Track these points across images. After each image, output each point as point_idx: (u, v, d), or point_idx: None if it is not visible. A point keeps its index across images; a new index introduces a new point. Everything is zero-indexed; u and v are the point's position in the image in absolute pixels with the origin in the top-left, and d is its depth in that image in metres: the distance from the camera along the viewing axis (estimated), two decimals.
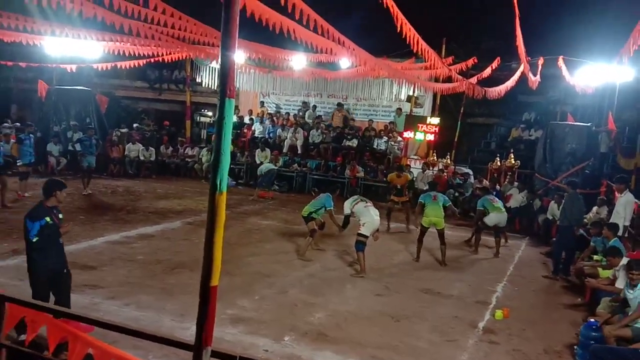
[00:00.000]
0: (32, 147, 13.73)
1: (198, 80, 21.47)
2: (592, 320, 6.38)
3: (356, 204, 9.29)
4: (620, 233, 9.31)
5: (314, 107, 21.29)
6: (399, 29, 6.73)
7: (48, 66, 16.66)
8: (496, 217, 11.25)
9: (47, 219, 5.41)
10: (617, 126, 15.81)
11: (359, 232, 9.03)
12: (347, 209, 9.38)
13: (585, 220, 11.59)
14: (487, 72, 12.76)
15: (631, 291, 6.24)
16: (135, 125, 21.90)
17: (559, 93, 20.28)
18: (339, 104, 20.78)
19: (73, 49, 13.40)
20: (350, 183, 17.47)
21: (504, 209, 11.64)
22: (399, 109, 20.02)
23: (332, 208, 9.93)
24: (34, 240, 5.33)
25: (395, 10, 6.23)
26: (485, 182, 16.04)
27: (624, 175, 11.56)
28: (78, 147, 15.96)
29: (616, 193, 10.94)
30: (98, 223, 11.13)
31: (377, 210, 9.31)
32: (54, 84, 19.81)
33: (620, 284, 6.91)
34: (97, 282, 7.51)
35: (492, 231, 11.51)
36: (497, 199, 11.84)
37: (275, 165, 17.36)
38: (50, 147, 17.91)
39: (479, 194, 12.41)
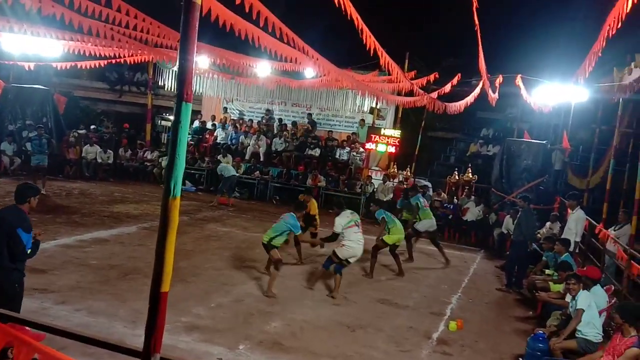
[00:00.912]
0: None
1: (160, 83, 21.20)
2: (540, 332, 6.54)
3: (349, 227, 8.68)
4: (571, 249, 9.58)
5: (280, 120, 21.22)
6: (364, 41, 6.81)
7: (5, 63, 16.18)
8: (427, 222, 11.66)
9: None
10: (572, 145, 16.33)
11: (335, 251, 8.56)
12: (338, 228, 8.73)
13: (538, 235, 11.89)
14: (448, 87, 13.02)
15: (572, 303, 6.44)
16: (92, 126, 21.44)
17: (516, 111, 20.86)
18: (309, 115, 20.85)
19: (32, 47, 13.04)
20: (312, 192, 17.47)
21: (432, 215, 12.07)
22: (362, 120, 20.21)
23: (299, 232, 8.79)
24: (28, 252, 5.16)
25: (359, 23, 6.29)
26: (443, 195, 16.33)
27: (576, 192, 11.94)
28: (29, 146, 15.58)
29: (568, 209, 11.27)
30: (51, 225, 10.83)
31: (362, 239, 8.80)
32: (11, 82, 19.22)
33: (570, 298, 7.11)
34: (47, 286, 7.30)
35: (427, 239, 11.93)
36: (427, 203, 12.26)
37: (237, 172, 17.24)
38: (4, 146, 17.38)
39: (411, 194, 12.39)
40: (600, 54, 6.02)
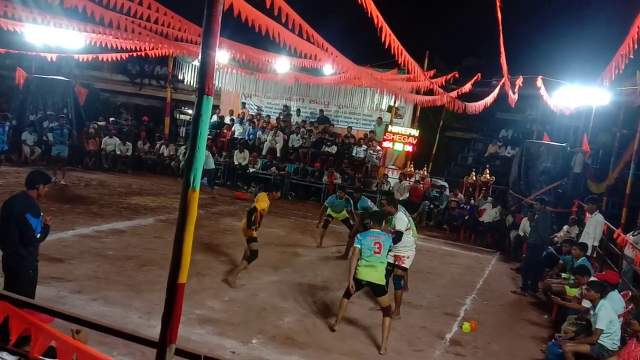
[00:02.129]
0: (5, 135, 13.48)
1: (180, 77, 21.31)
2: (560, 337, 6.50)
3: (408, 228, 7.72)
4: (589, 253, 9.48)
5: (298, 111, 21.32)
6: (383, 39, 6.78)
7: (28, 54, 16.37)
8: None
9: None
10: (592, 148, 16.13)
11: (403, 265, 7.73)
12: (402, 226, 7.56)
13: (555, 238, 11.79)
14: (468, 87, 12.93)
15: (593, 312, 6.37)
16: (112, 119, 21.64)
17: (536, 112, 20.65)
18: (321, 111, 20.91)
19: (54, 38, 13.18)
20: (327, 189, 17.51)
21: None
22: (380, 119, 20.15)
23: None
24: (38, 237, 5.25)
25: (380, 21, 6.27)
26: (460, 196, 16.24)
27: (595, 197, 11.80)
28: (50, 136, 15.79)
29: (587, 213, 11.15)
30: (69, 215, 10.96)
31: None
32: (33, 73, 19.47)
33: (587, 302, 7.03)
34: (64, 275, 7.39)
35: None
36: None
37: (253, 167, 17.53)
38: (25, 136, 17.59)
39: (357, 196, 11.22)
40: (631, 56, 5.93)
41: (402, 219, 7.60)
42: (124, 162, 19.34)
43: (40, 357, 3.24)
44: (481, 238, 14.85)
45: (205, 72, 2.27)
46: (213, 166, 17.09)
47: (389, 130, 17.75)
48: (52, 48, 14.73)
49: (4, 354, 3.37)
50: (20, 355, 3.24)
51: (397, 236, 7.40)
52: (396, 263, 7.60)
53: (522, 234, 12.69)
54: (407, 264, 7.76)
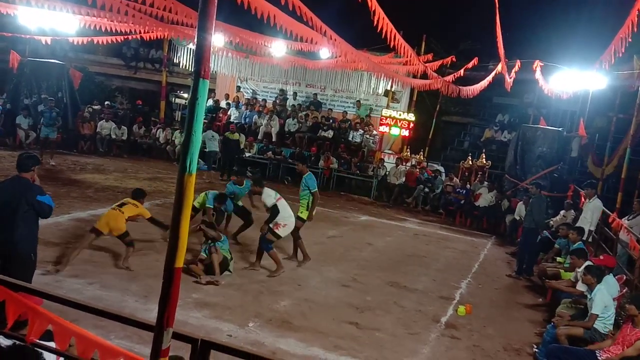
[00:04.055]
0: None
1: (175, 61, 21.14)
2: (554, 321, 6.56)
3: (279, 199, 8.21)
4: (584, 237, 9.52)
5: (295, 94, 21.24)
6: (375, 22, 6.73)
7: (21, 37, 16.23)
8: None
9: None
10: (588, 133, 16.15)
11: (276, 232, 8.07)
12: (270, 200, 8.14)
13: (550, 222, 11.83)
14: (462, 71, 12.90)
15: (589, 296, 6.41)
16: (107, 102, 21.52)
17: (533, 97, 20.62)
18: (315, 95, 20.85)
19: (48, 21, 13.07)
20: (323, 174, 17.50)
21: None
22: (358, 102, 20.21)
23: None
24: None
25: (373, 4, 6.21)
26: (456, 180, 16.27)
27: (593, 181, 11.82)
28: (40, 119, 15.88)
29: (582, 198, 11.18)
30: (65, 199, 10.93)
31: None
32: (27, 56, 19.31)
33: (581, 286, 7.08)
34: (60, 259, 7.38)
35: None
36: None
37: (249, 151, 17.54)
38: (20, 119, 17.50)
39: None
40: (630, 39, 5.91)
41: (268, 195, 8.21)
42: (119, 146, 19.29)
43: (37, 340, 3.25)
44: (477, 222, 14.90)
45: (201, 55, 2.25)
46: (216, 149, 17.22)
47: (384, 114, 17.74)
48: (47, 31, 14.60)
49: (0, 338, 3.37)
50: (16, 339, 3.24)
51: (272, 211, 8.06)
52: (272, 228, 8.08)
53: (517, 218, 12.74)
54: (281, 232, 8.13)
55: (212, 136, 17.85)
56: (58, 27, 13.51)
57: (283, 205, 8.17)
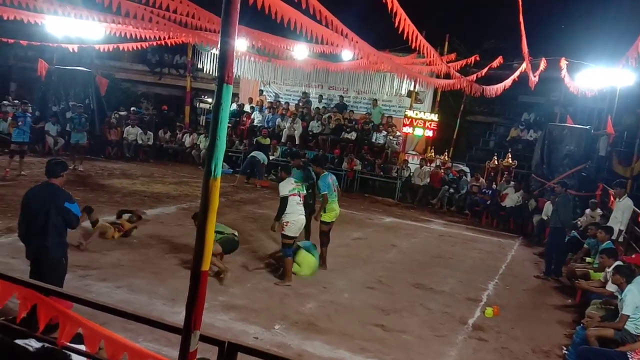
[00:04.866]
0: (27, 126, 13.71)
1: (199, 66, 21.38)
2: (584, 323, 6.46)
3: (293, 194, 7.76)
4: (614, 237, 9.35)
5: (320, 96, 21.27)
6: (396, 24, 6.70)
7: (49, 45, 16.57)
8: (336, 209, 8.84)
9: None
10: (616, 130, 15.84)
11: (283, 233, 7.72)
12: (284, 190, 7.72)
13: (578, 222, 11.65)
14: (485, 70, 12.79)
15: (620, 297, 6.29)
16: (133, 108, 21.84)
17: (559, 95, 20.32)
18: (341, 97, 20.88)
19: (75, 29, 13.33)
20: (347, 176, 17.49)
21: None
22: (375, 101, 20.15)
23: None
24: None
25: (395, 5, 6.19)
26: (482, 180, 16.11)
27: (623, 180, 11.60)
28: (68, 126, 16.18)
29: (612, 197, 10.97)
30: (93, 204, 11.02)
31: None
32: (55, 64, 19.72)
33: (611, 286, 6.95)
34: (89, 263, 7.52)
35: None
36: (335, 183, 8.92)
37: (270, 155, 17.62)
38: (48, 126, 17.85)
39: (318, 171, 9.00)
40: None
41: (284, 185, 7.75)
42: (145, 151, 19.55)
43: (68, 343, 3.31)
44: (503, 223, 14.73)
45: (224, 61, 2.27)
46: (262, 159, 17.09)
47: (407, 115, 17.67)
48: (73, 39, 14.90)
49: (32, 341, 3.44)
50: (47, 342, 3.31)
51: (280, 203, 7.65)
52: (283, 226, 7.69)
53: (545, 218, 12.56)
54: (286, 230, 7.68)
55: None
56: (84, 35, 13.77)
57: (293, 204, 7.71)
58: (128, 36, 11.88)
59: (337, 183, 9.06)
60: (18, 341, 3.15)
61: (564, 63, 12.18)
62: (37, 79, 19.60)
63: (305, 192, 8.09)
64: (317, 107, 20.75)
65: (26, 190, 5.49)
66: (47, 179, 5.42)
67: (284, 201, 7.66)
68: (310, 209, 8.94)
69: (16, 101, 20.24)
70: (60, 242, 5.39)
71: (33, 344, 3.39)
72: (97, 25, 11.72)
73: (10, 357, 1.80)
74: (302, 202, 7.88)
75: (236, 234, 8.20)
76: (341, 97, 20.97)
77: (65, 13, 10.17)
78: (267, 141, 18.18)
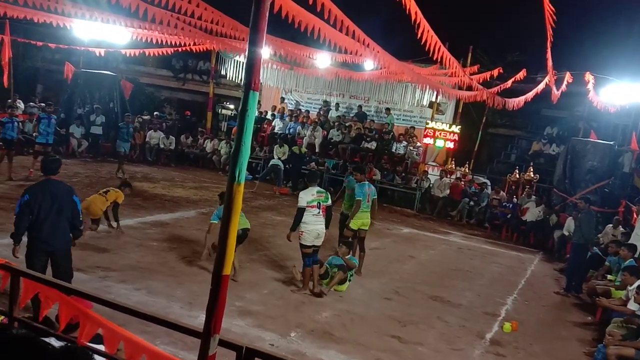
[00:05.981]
0: (51, 128, 13.90)
1: (222, 72, 21.57)
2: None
3: (311, 206, 7.65)
4: (637, 255, 9.19)
5: (337, 105, 21.32)
6: (419, 35, 6.70)
7: (76, 49, 16.85)
8: (363, 218, 9.02)
9: None
10: None
11: (300, 242, 7.71)
12: (302, 201, 7.65)
13: (601, 239, 11.48)
14: (509, 83, 12.70)
15: None
16: (156, 113, 22.08)
17: (583, 109, 20.09)
18: (359, 107, 20.92)
19: (102, 33, 13.55)
20: None
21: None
22: (388, 109, 20.09)
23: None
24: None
25: (418, 16, 6.19)
26: (502, 194, 15.97)
27: None
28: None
29: (635, 214, 10.80)
30: None
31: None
32: (81, 67, 20.05)
33: (633, 305, 6.83)
34: (109, 264, 7.59)
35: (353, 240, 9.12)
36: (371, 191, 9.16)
37: (300, 152, 17.81)
38: (73, 128, 18.12)
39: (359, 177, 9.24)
40: None
41: (304, 196, 7.68)
42: (167, 155, 19.73)
43: (88, 343, 3.35)
44: (523, 237, 14.57)
45: (251, 68, 2.30)
46: (276, 162, 17.35)
47: (428, 126, 17.62)
48: (100, 43, 15.13)
49: (52, 340, 3.48)
50: (67, 341, 3.35)
51: (297, 213, 7.62)
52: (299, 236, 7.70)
53: (566, 233, 12.40)
54: (302, 240, 7.65)
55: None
56: (111, 39, 13.99)
57: (309, 215, 7.60)
58: (154, 42, 12.04)
59: (375, 196, 9.25)
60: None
61: (589, 77, 12.05)
62: (64, 82, 19.95)
63: (328, 203, 8.01)
64: (338, 116, 20.77)
65: (25, 189, 5.54)
66: (45, 176, 5.60)
67: (300, 212, 7.61)
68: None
69: (42, 104, 20.61)
70: (68, 233, 5.68)
71: (53, 343, 3.44)
72: (124, 30, 11.91)
73: (35, 353, 1.82)
74: (321, 214, 7.73)
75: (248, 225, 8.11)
76: (360, 106, 20.98)
77: (93, 17, 10.36)
78: (303, 150, 18.31)
